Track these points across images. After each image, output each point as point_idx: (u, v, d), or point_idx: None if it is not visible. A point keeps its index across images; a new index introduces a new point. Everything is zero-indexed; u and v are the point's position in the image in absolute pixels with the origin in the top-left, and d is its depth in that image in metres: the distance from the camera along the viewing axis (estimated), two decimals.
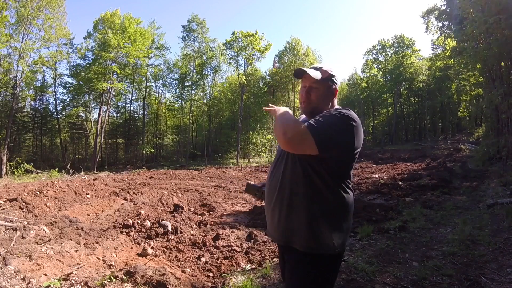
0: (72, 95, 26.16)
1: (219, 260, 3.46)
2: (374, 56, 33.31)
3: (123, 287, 2.55)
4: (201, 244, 3.97)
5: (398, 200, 6.20)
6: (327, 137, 1.18)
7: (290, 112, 1.31)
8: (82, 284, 2.48)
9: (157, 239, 4.16)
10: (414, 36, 37.15)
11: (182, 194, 8.00)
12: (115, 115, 30.22)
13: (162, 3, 71.03)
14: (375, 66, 33.73)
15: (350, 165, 1.33)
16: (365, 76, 35.13)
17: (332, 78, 1.40)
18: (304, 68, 1.36)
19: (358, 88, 35.36)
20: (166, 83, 29.42)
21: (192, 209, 6.18)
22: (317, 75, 1.35)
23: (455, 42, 14.35)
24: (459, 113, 28.87)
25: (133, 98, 29.41)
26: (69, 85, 25.96)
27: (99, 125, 23.26)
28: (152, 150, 26.88)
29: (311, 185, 1.27)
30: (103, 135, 24.65)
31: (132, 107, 30.20)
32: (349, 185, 1.34)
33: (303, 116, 1.52)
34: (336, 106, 1.44)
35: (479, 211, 5.03)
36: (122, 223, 4.75)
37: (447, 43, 19.74)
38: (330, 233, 1.26)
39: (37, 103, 26.92)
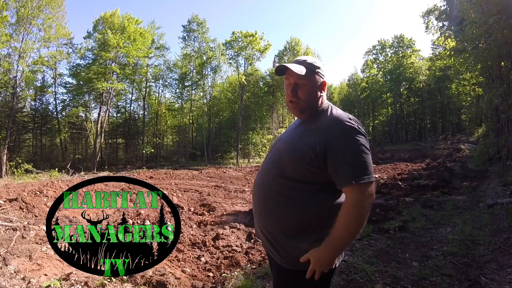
0: (72, 95, 26.16)
1: (219, 260, 3.46)
2: (374, 56, 33.36)
3: (123, 287, 2.55)
4: (201, 244, 3.97)
5: (398, 200, 6.20)
6: (367, 167, 1.10)
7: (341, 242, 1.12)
8: (82, 284, 2.48)
9: None
10: (414, 36, 37.29)
11: (182, 194, 8.00)
12: (115, 115, 30.23)
13: (162, 3, 71.08)
14: (375, 66, 33.76)
15: None
16: (365, 76, 35.16)
17: (319, 70, 1.25)
18: (287, 64, 1.22)
19: (358, 88, 35.40)
20: (166, 83, 29.47)
21: (192, 209, 6.18)
22: (301, 69, 1.20)
23: (455, 42, 14.35)
24: (462, 116, 28.82)
25: (133, 98, 29.45)
26: (69, 85, 26.01)
27: (99, 125, 23.26)
28: (152, 150, 26.88)
29: (292, 190, 1.16)
30: (103, 135, 24.64)
31: (132, 107, 30.25)
32: (335, 195, 1.20)
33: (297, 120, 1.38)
34: (325, 103, 1.29)
35: (479, 211, 5.03)
36: None
37: (447, 43, 19.74)
38: (300, 248, 1.14)
39: (37, 103, 26.94)
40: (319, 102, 1.26)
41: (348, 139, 1.11)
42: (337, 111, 1.22)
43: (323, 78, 1.27)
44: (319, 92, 1.26)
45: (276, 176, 1.21)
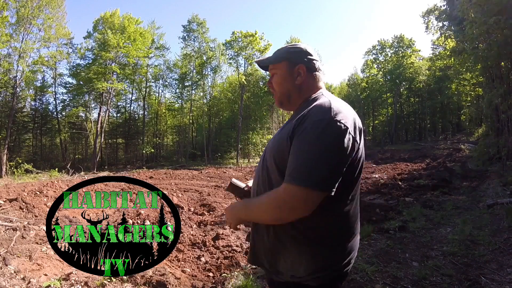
0: (72, 95, 26.15)
1: (219, 260, 3.46)
2: (374, 56, 33.37)
3: (123, 287, 2.55)
4: (201, 244, 3.97)
5: (398, 200, 6.20)
6: (314, 172, 0.87)
7: (247, 200, 1.09)
8: (82, 284, 2.48)
9: None
10: (414, 36, 37.22)
11: (182, 194, 8.00)
12: (115, 115, 30.21)
13: (162, 3, 71.11)
14: (375, 66, 33.76)
15: (346, 178, 0.95)
16: (365, 76, 35.16)
17: (296, 54, 1.09)
18: (260, 58, 1.15)
19: (358, 88, 35.40)
20: (166, 83, 29.46)
21: (192, 209, 6.18)
22: (272, 58, 1.10)
23: (455, 42, 14.36)
24: (462, 116, 28.85)
25: (133, 98, 29.44)
26: (69, 85, 25.99)
27: (99, 125, 23.26)
28: (152, 150, 26.87)
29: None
30: (103, 135, 24.64)
31: (132, 107, 30.23)
32: (347, 204, 1.01)
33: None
34: (317, 93, 1.09)
35: (479, 211, 5.03)
36: None
37: (447, 43, 19.74)
38: (293, 257, 1.00)
39: (37, 103, 26.93)
40: (300, 91, 1.09)
41: (311, 134, 0.90)
42: (324, 99, 1.00)
43: (301, 62, 1.08)
44: (295, 79, 1.08)
45: (260, 177, 1.11)
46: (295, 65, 1.09)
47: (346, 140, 0.90)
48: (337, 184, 0.89)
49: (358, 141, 0.95)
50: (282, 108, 1.19)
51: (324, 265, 1.00)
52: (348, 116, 0.94)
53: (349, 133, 0.91)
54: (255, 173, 1.18)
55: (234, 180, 1.25)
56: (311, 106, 0.99)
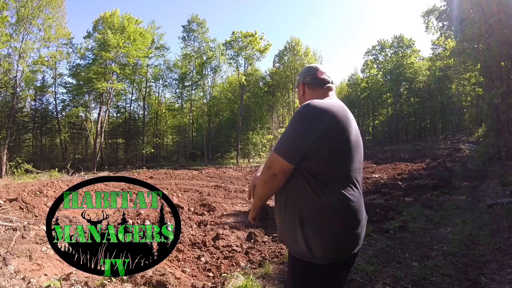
0: (72, 95, 26.14)
1: (219, 260, 3.46)
2: (373, 56, 33.35)
3: (123, 287, 2.55)
4: (201, 244, 3.97)
5: (398, 200, 6.20)
6: (282, 144, 1.18)
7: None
8: (82, 284, 2.48)
9: None
10: (414, 36, 37.09)
11: (182, 194, 8.00)
12: (115, 115, 30.19)
13: (162, 3, 71.08)
14: (375, 66, 33.75)
15: (332, 162, 1.17)
16: (365, 76, 35.14)
17: (300, 75, 1.48)
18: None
19: (358, 88, 35.38)
20: (166, 83, 29.46)
21: (192, 209, 6.19)
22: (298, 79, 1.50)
23: (455, 42, 14.35)
24: (465, 115, 28.76)
25: (133, 98, 29.42)
26: (69, 85, 25.97)
27: (99, 125, 23.25)
28: (152, 150, 26.87)
29: (297, 185, 1.20)
30: (103, 135, 24.64)
31: (132, 107, 30.21)
32: (342, 186, 1.17)
33: None
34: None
35: (479, 211, 5.03)
36: None
37: (447, 43, 19.73)
38: (308, 238, 1.16)
39: (37, 103, 26.92)
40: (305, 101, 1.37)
41: (294, 118, 1.21)
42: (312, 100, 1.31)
43: (301, 81, 1.47)
44: (301, 94, 1.47)
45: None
46: (299, 84, 1.50)
47: (312, 122, 1.16)
48: (297, 156, 1.16)
49: (340, 127, 1.18)
50: None
51: (325, 245, 1.15)
52: (325, 107, 1.19)
53: (320, 117, 1.16)
54: None
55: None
56: None
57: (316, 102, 1.22)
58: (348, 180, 1.19)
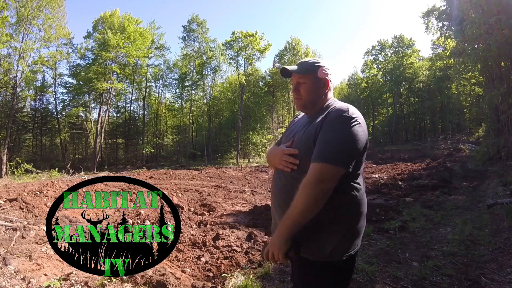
0: (72, 95, 26.12)
1: (219, 260, 3.46)
2: (373, 56, 33.35)
3: (123, 287, 2.55)
4: (201, 244, 3.97)
5: (398, 200, 6.20)
6: (339, 153, 1.14)
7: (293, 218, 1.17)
8: (82, 284, 2.48)
9: None
10: (413, 36, 37.02)
11: (182, 194, 8.00)
12: (115, 115, 30.18)
13: (162, 3, 71.07)
14: (375, 66, 33.76)
15: (360, 162, 1.25)
16: (365, 76, 35.14)
17: (322, 69, 1.36)
18: (287, 67, 1.37)
19: (358, 88, 35.39)
20: (166, 83, 29.44)
21: (192, 209, 6.18)
22: (301, 69, 1.36)
23: (455, 42, 14.35)
24: (466, 115, 28.74)
25: (133, 98, 29.39)
26: (69, 85, 25.94)
27: (99, 125, 23.24)
28: (152, 150, 26.86)
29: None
30: (103, 135, 24.63)
31: (132, 107, 30.19)
32: (352, 185, 1.23)
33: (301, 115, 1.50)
34: (331, 100, 1.38)
35: (479, 211, 5.03)
36: None
37: (447, 43, 19.75)
38: (334, 236, 1.21)
39: (37, 103, 26.90)
40: (322, 99, 1.36)
41: (336, 124, 1.19)
42: (339, 104, 1.31)
43: (326, 77, 1.36)
44: (321, 89, 1.36)
45: (293, 173, 1.28)
46: (322, 78, 1.35)
47: (360, 131, 1.19)
48: (353, 160, 1.17)
49: (366, 133, 1.24)
50: (304, 111, 1.41)
51: (347, 238, 1.23)
52: (359, 115, 1.24)
53: (361, 126, 1.20)
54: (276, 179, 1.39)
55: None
56: (331, 108, 1.29)
57: (351, 106, 1.27)
58: (362, 176, 1.30)
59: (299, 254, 1.21)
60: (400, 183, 8.08)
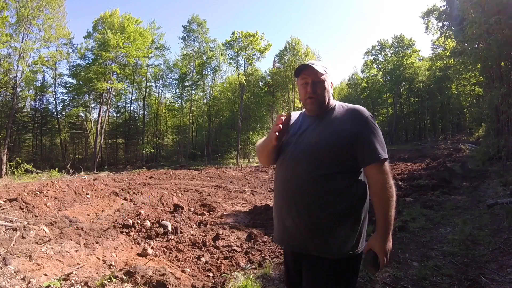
0: (72, 95, 26.16)
1: (219, 260, 3.46)
2: (373, 56, 33.37)
3: (123, 287, 2.55)
4: (201, 244, 3.97)
5: (398, 200, 6.19)
6: (385, 147, 1.33)
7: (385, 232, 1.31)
8: (82, 284, 2.48)
9: (157, 239, 4.16)
10: (413, 36, 37.06)
11: (182, 194, 8.00)
12: (115, 115, 30.19)
13: (162, 3, 71.06)
14: (374, 66, 33.78)
15: None
16: (365, 76, 35.17)
17: (328, 72, 1.47)
18: (310, 63, 1.40)
19: (358, 88, 35.42)
20: (166, 83, 29.49)
21: (192, 209, 6.18)
22: (321, 69, 1.41)
23: (455, 42, 14.34)
24: (466, 115, 28.72)
25: (133, 98, 29.42)
26: (69, 85, 25.98)
27: (99, 125, 23.25)
28: (152, 150, 26.86)
29: (331, 181, 1.28)
30: (103, 135, 24.64)
31: (132, 107, 30.21)
32: (363, 179, 1.37)
33: (296, 113, 1.54)
34: (333, 101, 1.48)
35: (479, 211, 5.03)
36: (122, 223, 4.75)
37: (447, 43, 19.72)
38: (356, 229, 1.31)
39: (37, 103, 26.91)
40: (329, 99, 1.44)
41: (372, 125, 1.32)
42: (349, 104, 1.43)
43: (332, 78, 1.48)
44: (331, 90, 1.45)
45: (312, 170, 1.29)
46: (330, 80, 1.45)
47: None
48: None
49: None
50: (319, 110, 1.42)
51: (364, 229, 1.37)
52: None
53: None
54: (290, 161, 1.38)
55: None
56: (349, 108, 1.40)
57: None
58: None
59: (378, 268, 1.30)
60: (400, 183, 8.07)
